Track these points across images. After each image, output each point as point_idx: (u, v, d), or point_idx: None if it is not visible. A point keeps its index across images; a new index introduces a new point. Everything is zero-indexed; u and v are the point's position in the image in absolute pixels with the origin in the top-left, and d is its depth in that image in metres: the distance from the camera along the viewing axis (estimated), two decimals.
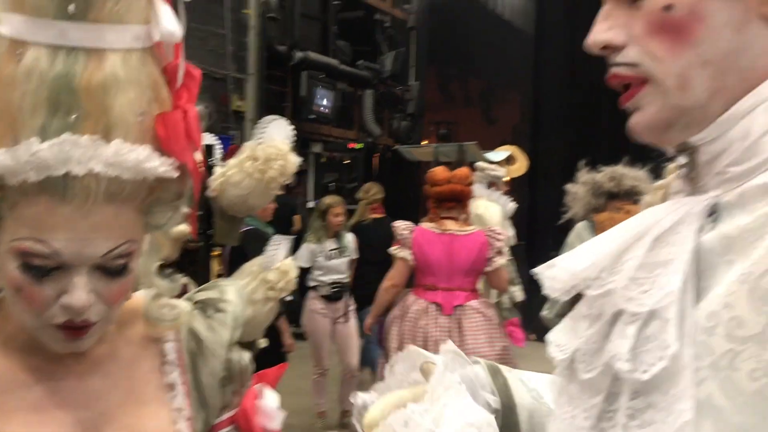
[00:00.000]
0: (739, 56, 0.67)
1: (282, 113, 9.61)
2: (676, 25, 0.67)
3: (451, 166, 4.79)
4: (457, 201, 3.72)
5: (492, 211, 5.54)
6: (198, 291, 1.01)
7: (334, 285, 5.22)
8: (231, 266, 3.69)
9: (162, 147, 0.79)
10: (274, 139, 1.91)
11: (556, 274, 0.76)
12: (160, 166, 0.78)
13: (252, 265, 1.90)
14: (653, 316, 0.65)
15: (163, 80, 0.81)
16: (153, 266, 0.89)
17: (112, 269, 0.79)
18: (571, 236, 3.91)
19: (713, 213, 0.68)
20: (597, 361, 0.70)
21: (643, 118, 0.71)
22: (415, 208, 11.33)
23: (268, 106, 8.95)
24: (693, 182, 0.73)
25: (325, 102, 10.06)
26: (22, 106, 0.72)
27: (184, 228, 1.01)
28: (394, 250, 3.81)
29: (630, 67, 0.70)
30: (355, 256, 5.44)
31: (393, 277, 3.79)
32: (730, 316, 0.61)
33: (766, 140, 0.66)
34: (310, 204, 9.74)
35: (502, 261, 3.71)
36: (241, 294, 1.04)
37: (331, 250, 5.24)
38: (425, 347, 3.47)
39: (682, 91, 0.68)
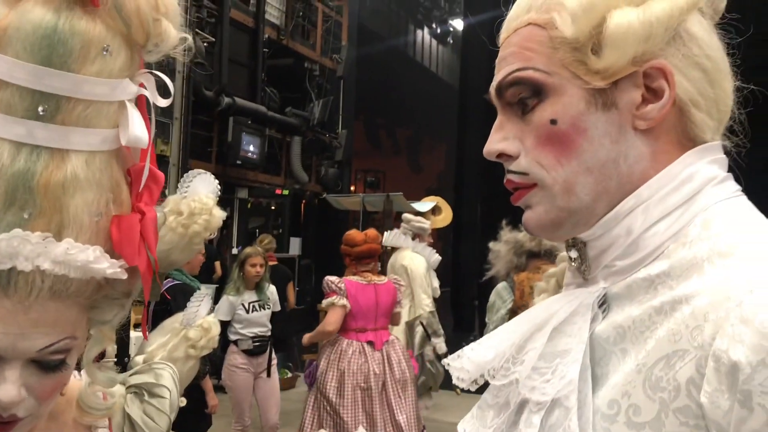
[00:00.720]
0: (617, 163, 0.74)
1: (207, 158, 9.52)
2: (560, 137, 0.74)
3: (378, 215, 4.88)
4: (372, 257, 4.50)
5: (417, 263, 5.60)
6: (132, 374, 0.99)
7: (256, 338, 5.07)
8: (154, 321, 3.58)
9: (114, 249, 0.77)
10: (199, 192, 1.87)
11: (464, 365, 0.81)
12: (108, 267, 0.76)
13: (173, 322, 1.85)
14: (555, 404, 0.70)
15: (126, 181, 0.80)
16: (92, 356, 0.87)
17: (48, 364, 0.77)
18: (492, 297, 4.03)
19: (603, 303, 0.75)
20: None
21: (534, 215, 0.78)
22: (340, 255, 11.34)
23: (193, 151, 8.83)
24: (583, 274, 0.79)
25: (251, 147, 10.01)
26: None
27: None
28: (331, 300, 4.24)
29: (521, 175, 0.77)
30: (277, 308, 5.35)
31: (334, 322, 4.22)
32: (628, 404, 0.66)
33: (646, 237, 0.73)
34: (234, 251, 9.58)
35: (402, 305, 4.71)
36: (175, 378, 1.02)
37: (251, 302, 5.11)
38: (366, 381, 3.59)
39: (568, 195, 0.75)
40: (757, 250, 0.66)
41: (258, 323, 5.07)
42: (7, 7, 0.74)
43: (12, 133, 0.72)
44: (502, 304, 3.89)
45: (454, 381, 0.82)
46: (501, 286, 3.97)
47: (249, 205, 10.75)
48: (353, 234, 4.58)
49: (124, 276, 0.78)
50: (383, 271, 5.40)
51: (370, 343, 4.28)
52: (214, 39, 9.43)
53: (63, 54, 0.73)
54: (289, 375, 8.40)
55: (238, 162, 9.75)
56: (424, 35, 20.18)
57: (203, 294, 1.99)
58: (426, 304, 5.19)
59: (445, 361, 0.86)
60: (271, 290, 5.25)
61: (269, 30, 10.92)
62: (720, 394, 0.60)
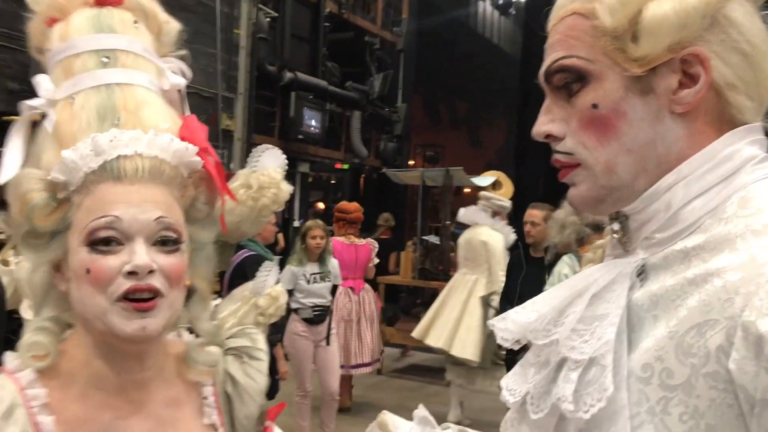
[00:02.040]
0: (655, 144, 0.80)
1: (270, 133, 9.69)
2: (601, 121, 0.80)
3: (437, 190, 4.95)
4: (357, 222, 6.01)
5: (496, 239, 5.60)
6: (228, 338, 1.07)
7: (315, 308, 5.20)
8: (230, 290, 3.73)
9: (184, 139, 0.96)
10: (267, 167, 1.95)
11: (507, 326, 0.88)
12: (184, 146, 0.94)
13: (243, 290, 1.94)
14: (593, 363, 0.76)
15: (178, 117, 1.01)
16: (201, 313, 1.01)
17: (166, 241, 0.90)
18: (559, 267, 4.04)
19: (641, 273, 0.80)
20: (544, 404, 0.80)
21: (577, 192, 0.85)
22: (401, 228, 11.39)
23: (257, 125, 9.00)
24: (624, 246, 0.85)
25: (313, 122, 10.13)
26: (80, 128, 0.91)
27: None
28: None
29: (566, 155, 0.83)
30: (339, 281, 5.44)
31: None
32: (662, 367, 0.71)
33: (685, 211, 0.78)
34: (296, 223, 9.76)
35: (373, 262, 6.23)
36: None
37: (313, 273, 5.24)
38: (348, 315, 5.59)
39: (609, 174, 0.81)
40: None
41: (318, 294, 5.20)
42: (62, 22, 0.98)
43: (89, 82, 0.94)
44: (572, 273, 3.91)
45: (498, 340, 0.89)
46: (567, 257, 4.01)
47: (310, 179, 10.91)
48: (346, 204, 6.13)
49: (198, 158, 0.95)
50: (454, 247, 6.70)
51: (351, 288, 5.93)
52: (276, 14, 9.54)
53: (110, 25, 0.98)
54: None
55: (300, 136, 9.89)
56: (485, 7, 19.85)
57: (271, 264, 2.08)
58: (502, 280, 5.22)
59: (490, 322, 0.93)
60: (333, 264, 5.35)
61: (330, 4, 10.96)
62: (747, 361, 0.64)
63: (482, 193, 5.98)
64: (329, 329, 5.27)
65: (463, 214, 5.83)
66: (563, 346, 0.79)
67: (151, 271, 0.87)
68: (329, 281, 5.29)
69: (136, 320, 0.87)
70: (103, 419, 0.91)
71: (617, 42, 0.79)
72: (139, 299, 0.87)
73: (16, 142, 0.95)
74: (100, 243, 0.87)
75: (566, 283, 0.88)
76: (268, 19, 9.16)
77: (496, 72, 18.34)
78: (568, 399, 0.75)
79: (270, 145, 2.08)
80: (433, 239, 8.23)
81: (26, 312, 3.84)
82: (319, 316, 5.22)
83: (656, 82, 0.78)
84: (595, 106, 0.80)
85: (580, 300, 0.81)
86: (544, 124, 0.84)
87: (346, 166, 11.50)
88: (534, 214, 4.87)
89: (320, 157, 10.88)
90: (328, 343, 5.27)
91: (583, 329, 0.78)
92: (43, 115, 0.96)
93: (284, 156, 2.10)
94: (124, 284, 0.86)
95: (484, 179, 6.58)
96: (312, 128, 10.12)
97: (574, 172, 0.83)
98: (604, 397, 0.72)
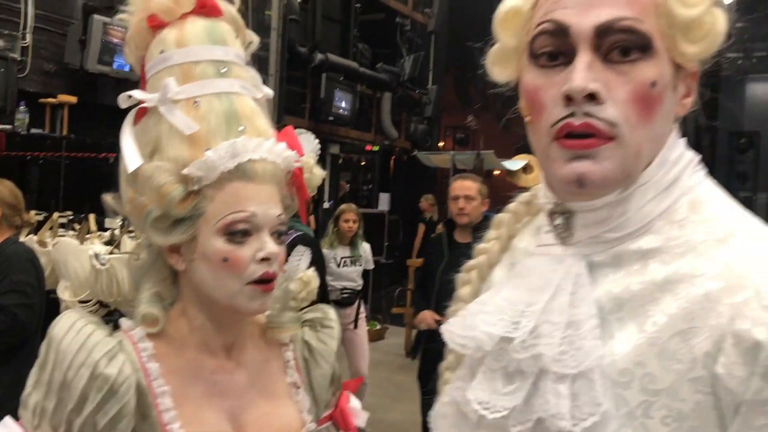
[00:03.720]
0: (664, 139, 0.81)
1: (301, 114, 9.69)
2: (652, 101, 0.76)
3: (468, 173, 4.84)
4: None
5: None
6: (305, 313, 1.24)
7: (344, 291, 5.23)
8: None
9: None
10: None
11: (468, 333, 0.84)
12: (291, 154, 1.10)
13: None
14: (579, 376, 0.75)
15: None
16: (283, 285, 1.17)
17: (281, 233, 1.07)
18: None
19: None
20: (525, 417, 0.77)
21: (599, 169, 0.76)
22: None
23: (287, 106, 9.01)
24: (564, 240, 0.83)
25: (343, 104, 10.11)
26: (210, 131, 1.04)
27: None
28: None
29: (607, 124, 0.75)
30: (370, 266, 5.43)
31: None
32: (643, 372, 0.73)
33: (639, 214, 0.79)
34: (326, 205, 9.79)
35: None
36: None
37: (344, 257, 5.25)
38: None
39: (635, 159, 0.77)
40: (755, 236, 0.76)
41: (347, 278, 5.23)
42: (174, 28, 1.10)
43: (211, 89, 1.07)
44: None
45: (456, 347, 0.86)
46: None
47: (340, 161, 10.92)
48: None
49: (297, 163, 1.12)
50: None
51: None
52: None
53: (222, 37, 1.10)
54: (378, 327, 8.61)
55: (331, 118, 9.89)
56: None
57: (304, 248, 2.08)
58: None
59: (444, 327, 0.89)
60: (365, 248, 5.35)
61: None
62: (737, 365, 0.68)
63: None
64: (358, 312, 5.29)
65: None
66: (548, 360, 0.77)
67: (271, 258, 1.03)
68: (359, 265, 5.30)
69: (259, 300, 1.04)
70: (204, 373, 1.08)
71: (673, 30, 0.77)
72: (266, 281, 1.03)
73: (130, 133, 1.07)
74: (238, 234, 1.02)
75: (522, 282, 0.84)
76: (299, 1, 9.13)
77: None
78: (565, 417, 0.74)
79: (303, 129, 2.09)
80: None
81: (63, 293, 3.93)
82: (348, 299, 5.25)
83: (679, 81, 0.80)
84: (654, 84, 0.75)
85: (548, 304, 0.80)
86: (591, 81, 0.74)
87: (376, 148, 11.48)
88: (468, 186, 3.91)
89: (350, 138, 10.87)
90: (356, 327, 5.29)
91: (562, 340, 0.77)
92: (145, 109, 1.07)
93: (317, 140, 2.10)
94: (258, 270, 1.02)
95: (515, 163, 6.52)
96: (342, 110, 10.10)
97: (605, 146, 0.75)
98: (598, 412, 0.73)
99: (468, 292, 0.99)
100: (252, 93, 1.11)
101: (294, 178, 1.14)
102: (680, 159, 0.82)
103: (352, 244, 5.28)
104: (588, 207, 0.80)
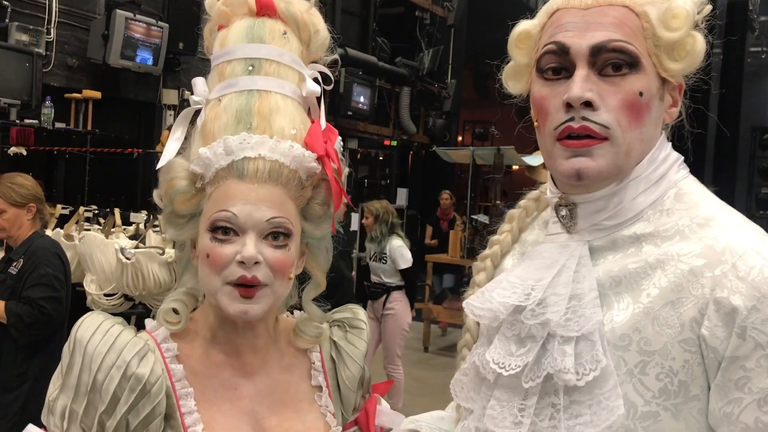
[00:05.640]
0: (652, 142, 0.96)
1: None
2: (639, 108, 0.92)
3: (488, 168, 4.83)
4: None
5: None
6: (334, 313, 1.23)
7: (373, 285, 5.34)
8: None
9: (305, 145, 1.06)
10: None
11: (485, 305, 0.99)
12: (303, 153, 1.04)
13: None
14: (581, 338, 0.90)
15: (309, 122, 1.11)
16: (310, 297, 1.14)
17: (276, 236, 1.01)
18: None
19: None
20: (536, 373, 0.92)
21: (594, 164, 0.92)
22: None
23: None
24: (568, 229, 0.99)
25: (362, 98, 10.11)
26: (219, 127, 1.04)
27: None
28: None
29: (601, 127, 0.91)
30: (399, 266, 5.32)
31: None
32: (639, 337, 0.88)
33: (633, 204, 0.95)
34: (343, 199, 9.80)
35: None
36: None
37: (374, 252, 5.37)
38: None
39: (626, 156, 0.93)
40: (730, 220, 0.91)
41: (374, 272, 5.38)
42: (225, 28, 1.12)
43: (236, 87, 1.06)
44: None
45: (476, 318, 1.01)
46: None
47: (358, 156, 10.93)
48: None
49: (316, 163, 1.06)
50: None
51: None
52: None
53: (260, 35, 1.09)
54: None
55: (349, 113, 9.90)
56: None
57: None
58: None
59: (467, 302, 1.03)
60: (392, 246, 5.32)
61: None
62: (718, 328, 0.84)
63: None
64: (384, 307, 5.35)
65: None
66: (556, 325, 0.91)
67: (257, 263, 0.99)
68: (385, 263, 5.33)
69: (238, 304, 1.00)
70: (223, 375, 1.07)
71: (658, 50, 0.94)
72: (244, 285, 0.99)
73: (178, 132, 1.10)
74: (219, 232, 1.00)
75: (531, 263, 1.00)
76: None
77: None
78: (570, 371, 0.88)
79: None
80: (483, 218, 8.17)
81: (89, 286, 3.99)
82: (375, 293, 5.32)
83: (666, 93, 0.97)
84: (641, 93, 0.92)
85: (555, 280, 0.94)
86: (587, 91, 0.91)
87: (394, 143, 11.47)
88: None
89: (369, 133, 10.87)
90: (379, 322, 5.36)
91: (568, 309, 0.91)
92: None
93: (340, 138, 2.10)
94: (237, 272, 0.99)
95: (536, 158, 6.49)
96: (361, 104, 10.10)
97: (599, 145, 0.91)
98: (598, 367, 0.87)
99: (483, 278, 1.13)
100: (286, 90, 1.08)
101: (324, 179, 1.08)
102: (668, 158, 0.98)
103: (374, 240, 5.34)
104: (588, 199, 0.96)
